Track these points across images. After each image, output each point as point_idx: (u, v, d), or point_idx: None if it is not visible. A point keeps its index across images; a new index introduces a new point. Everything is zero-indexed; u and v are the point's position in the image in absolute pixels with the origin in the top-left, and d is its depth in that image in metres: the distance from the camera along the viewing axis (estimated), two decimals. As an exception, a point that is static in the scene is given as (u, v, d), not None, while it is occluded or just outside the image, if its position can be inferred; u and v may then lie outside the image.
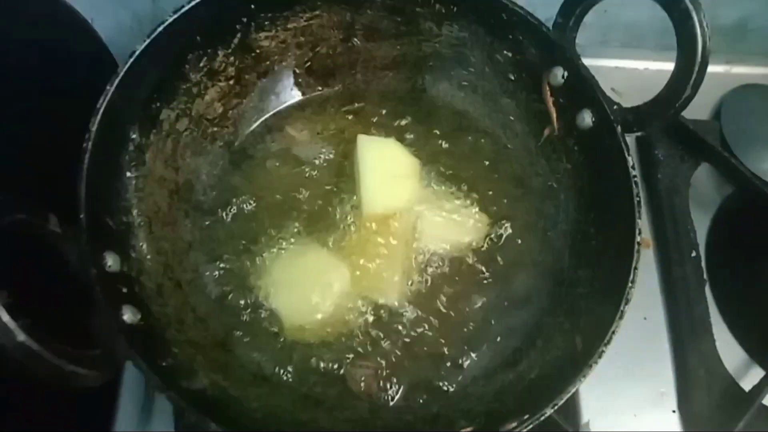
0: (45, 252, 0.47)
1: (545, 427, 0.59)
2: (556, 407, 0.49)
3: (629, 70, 0.84)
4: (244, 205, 0.62)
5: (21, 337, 0.38)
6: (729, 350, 0.67)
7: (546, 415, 0.48)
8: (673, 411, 0.65)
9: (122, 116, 0.55)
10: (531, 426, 0.48)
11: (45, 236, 0.47)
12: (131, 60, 0.54)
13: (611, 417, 0.64)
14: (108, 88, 0.53)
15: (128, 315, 0.49)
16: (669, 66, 0.83)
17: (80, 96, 0.54)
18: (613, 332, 0.51)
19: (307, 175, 0.64)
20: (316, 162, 0.64)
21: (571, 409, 0.63)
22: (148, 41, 0.55)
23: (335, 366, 0.56)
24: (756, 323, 0.67)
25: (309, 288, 0.58)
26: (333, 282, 0.58)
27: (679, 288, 0.68)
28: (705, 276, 0.69)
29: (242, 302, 0.58)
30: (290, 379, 0.55)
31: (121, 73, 0.53)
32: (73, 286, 0.47)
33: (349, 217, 0.61)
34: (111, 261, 0.50)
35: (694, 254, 0.69)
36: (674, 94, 0.55)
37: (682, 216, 0.71)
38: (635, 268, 0.52)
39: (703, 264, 0.70)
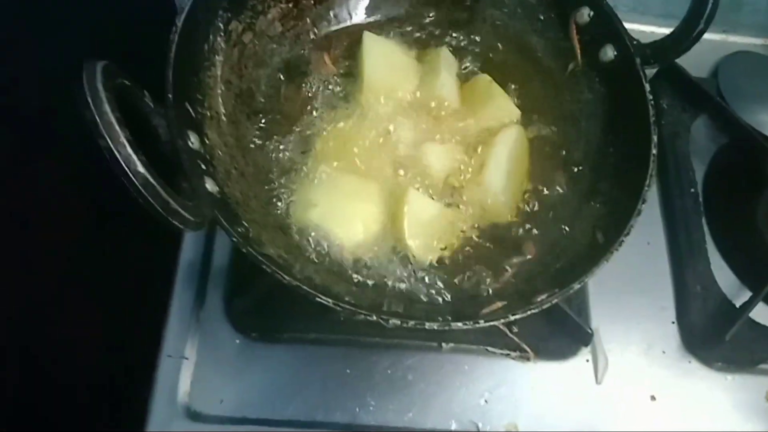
0: (142, 120, 0.53)
1: (565, 325, 0.66)
2: (582, 283, 0.55)
3: (636, 32, 0.91)
4: (295, 120, 0.69)
5: (141, 168, 0.44)
6: (722, 273, 0.74)
7: (574, 289, 0.55)
8: (672, 322, 0.72)
9: (201, 18, 0.60)
10: (559, 297, 0.55)
11: (141, 106, 0.53)
12: (213, -32, 0.60)
13: (618, 325, 0.71)
14: (194, -11, 0.59)
15: (209, 185, 0.55)
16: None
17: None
18: (632, 226, 0.58)
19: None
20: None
21: (583, 316, 0.71)
22: (227, -45, 0.61)
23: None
24: (745, 251, 0.75)
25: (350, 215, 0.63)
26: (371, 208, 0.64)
27: (678, 217, 0.76)
28: (702, 209, 0.77)
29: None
30: (340, 266, 0.62)
31: (205, -21, 0.60)
32: (164, 154, 0.53)
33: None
34: (193, 139, 0.56)
35: (692, 190, 0.78)
36: (689, 28, 0.63)
37: (683, 157, 0.79)
38: (651, 175, 0.60)
39: (700, 199, 0.78)
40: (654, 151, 0.61)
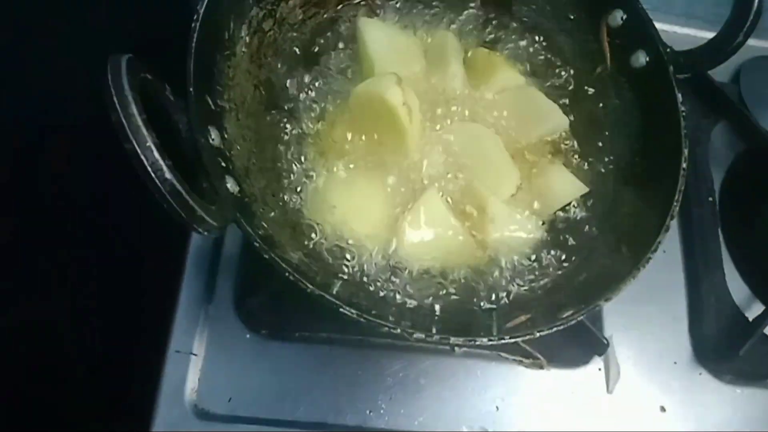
0: (162, 116, 0.50)
1: (579, 333, 0.66)
2: (608, 300, 0.54)
3: (659, 31, 0.90)
4: (313, 111, 0.66)
5: (168, 174, 0.41)
6: (735, 285, 0.74)
7: (600, 306, 0.54)
8: (685, 333, 0.72)
9: (223, 5, 0.57)
10: (584, 315, 0.54)
11: (162, 100, 0.50)
12: (235, -48, 0.57)
13: (630, 334, 0.71)
14: (216, -25, 0.55)
15: (230, 184, 0.53)
16: (694, 32, 0.90)
17: None
18: (660, 242, 0.57)
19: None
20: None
21: (597, 325, 0.70)
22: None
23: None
24: (760, 263, 0.75)
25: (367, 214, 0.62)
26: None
27: (695, 226, 0.75)
28: (718, 219, 0.76)
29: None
30: (356, 271, 0.60)
31: (227, -37, 0.56)
32: (184, 151, 0.51)
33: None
34: (213, 135, 0.53)
35: (710, 199, 0.77)
36: (727, 39, 0.60)
37: (702, 165, 0.78)
38: (680, 190, 0.59)
39: (717, 209, 0.77)
40: (684, 165, 0.59)
